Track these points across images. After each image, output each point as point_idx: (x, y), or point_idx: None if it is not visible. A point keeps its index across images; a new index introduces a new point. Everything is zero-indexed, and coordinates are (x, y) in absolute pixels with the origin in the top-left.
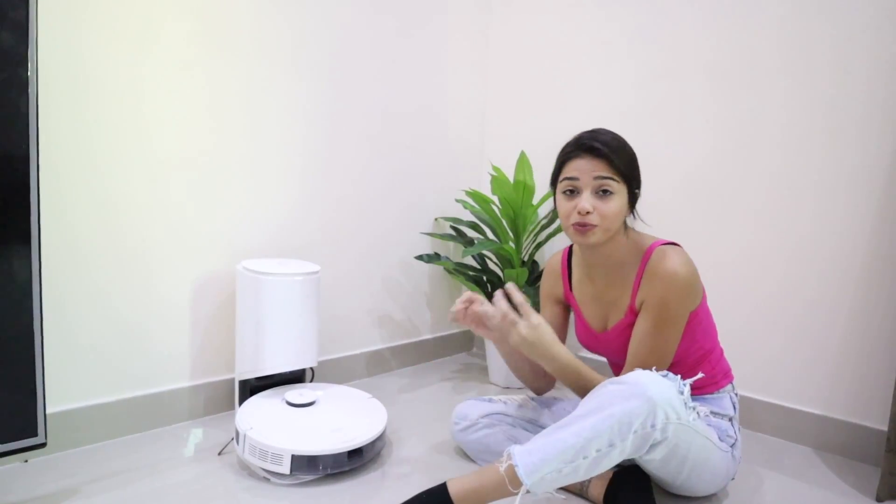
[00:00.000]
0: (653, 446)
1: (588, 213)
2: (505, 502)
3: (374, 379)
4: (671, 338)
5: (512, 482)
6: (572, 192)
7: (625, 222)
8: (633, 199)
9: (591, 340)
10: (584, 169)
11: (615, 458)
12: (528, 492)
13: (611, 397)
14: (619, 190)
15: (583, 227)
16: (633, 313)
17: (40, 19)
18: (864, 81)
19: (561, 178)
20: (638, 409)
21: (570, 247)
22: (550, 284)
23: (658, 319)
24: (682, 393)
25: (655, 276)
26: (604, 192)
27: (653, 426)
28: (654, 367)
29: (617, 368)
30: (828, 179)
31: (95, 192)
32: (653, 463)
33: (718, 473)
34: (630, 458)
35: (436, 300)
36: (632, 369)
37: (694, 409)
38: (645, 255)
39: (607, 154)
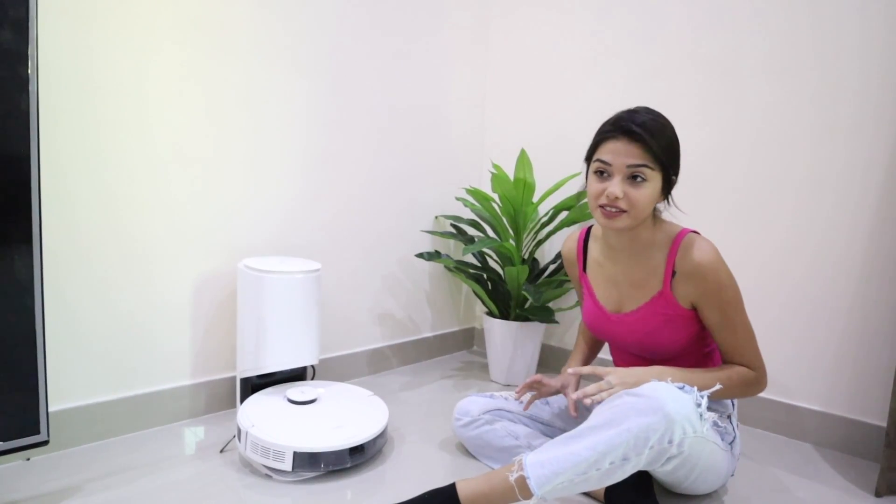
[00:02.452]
0: (668, 460)
1: (618, 198)
2: None
3: (375, 377)
4: (744, 314)
5: (522, 492)
6: (603, 174)
7: (656, 208)
8: (668, 185)
9: (601, 321)
10: (619, 153)
11: (628, 471)
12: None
13: (627, 410)
14: (653, 177)
15: (610, 213)
16: (669, 302)
17: (43, 18)
18: (859, 76)
19: (595, 157)
20: (655, 424)
21: (589, 228)
22: (569, 268)
23: (727, 304)
24: (699, 405)
25: (699, 270)
26: (635, 179)
27: (670, 442)
28: (749, 349)
29: (619, 353)
30: (827, 177)
31: (97, 190)
32: (661, 472)
33: (721, 473)
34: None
35: (436, 298)
36: (735, 360)
37: (706, 420)
38: (675, 241)
39: (645, 139)
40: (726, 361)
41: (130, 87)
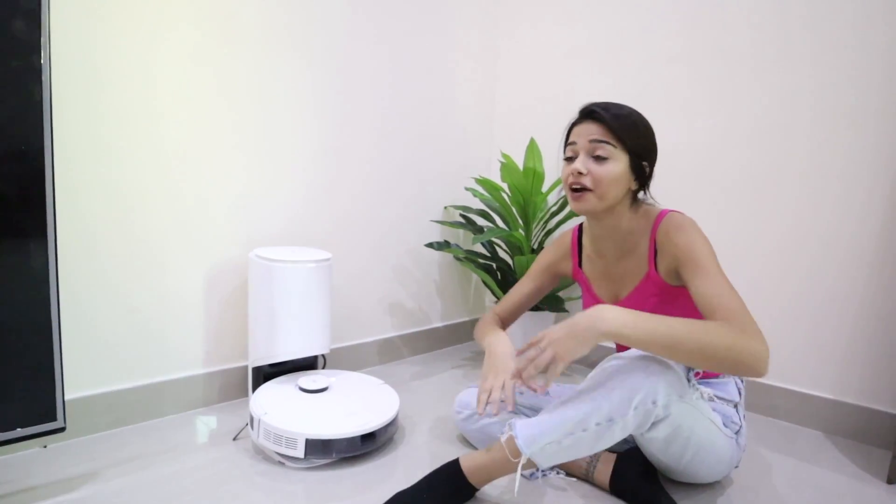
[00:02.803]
0: (655, 424)
1: (581, 174)
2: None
3: (385, 366)
4: (721, 273)
5: (512, 453)
6: (571, 159)
7: (634, 196)
8: (639, 171)
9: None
10: (582, 133)
11: (617, 434)
12: (533, 472)
13: (612, 372)
14: (616, 155)
15: (576, 192)
16: (655, 281)
17: (54, 10)
18: (883, 67)
19: (566, 144)
20: (638, 384)
21: (580, 225)
22: (557, 258)
23: (700, 264)
24: (687, 371)
25: (668, 234)
26: (599, 158)
27: (654, 402)
28: (732, 299)
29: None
30: (842, 167)
31: (108, 182)
32: (655, 443)
33: (722, 460)
34: (633, 434)
35: (446, 288)
36: (710, 309)
37: (697, 388)
38: (655, 222)
39: (605, 119)
40: (707, 316)
41: (139, 79)
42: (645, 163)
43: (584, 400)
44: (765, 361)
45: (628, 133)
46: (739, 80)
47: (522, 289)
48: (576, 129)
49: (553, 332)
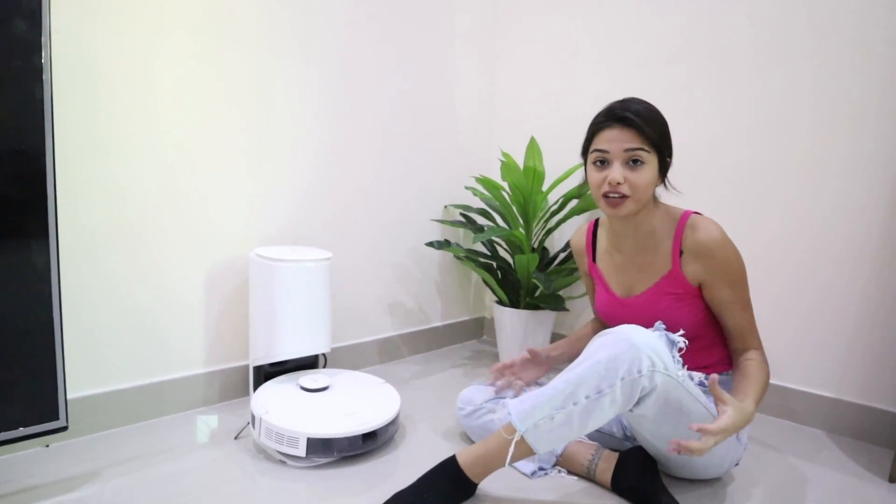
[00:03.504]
0: (642, 398)
1: (619, 183)
2: (512, 473)
3: (385, 366)
4: (749, 293)
5: (507, 430)
6: (603, 163)
7: (654, 192)
8: (664, 167)
9: (613, 307)
10: (615, 139)
11: (607, 408)
12: (535, 470)
13: (599, 346)
14: (650, 160)
15: (614, 200)
16: (678, 281)
17: (54, 9)
18: (882, 63)
19: (592, 149)
20: (623, 354)
21: (596, 221)
22: (578, 260)
23: (736, 281)
24: (674, 345)
25: (707, 248)
26: (634, 163)
27: (639, 372)
28: (754, 327)
29: None
30: (841, 162)
31: (108, 181)
32: (646, 422)
33: (719, 452)
34: (624, 412)
35: (446, 287)
36: (742, 337)
37: (684, 366)
38: (679, 222)
39: (638, 124)
40: (733, 341)
41: (139, 78)
42: (668, 158)
43: (573, 374)
44: None
45: (659, 135)
46: (739, 78)
47: (589, 295)
48: (606, 135)
49: (722, 430)
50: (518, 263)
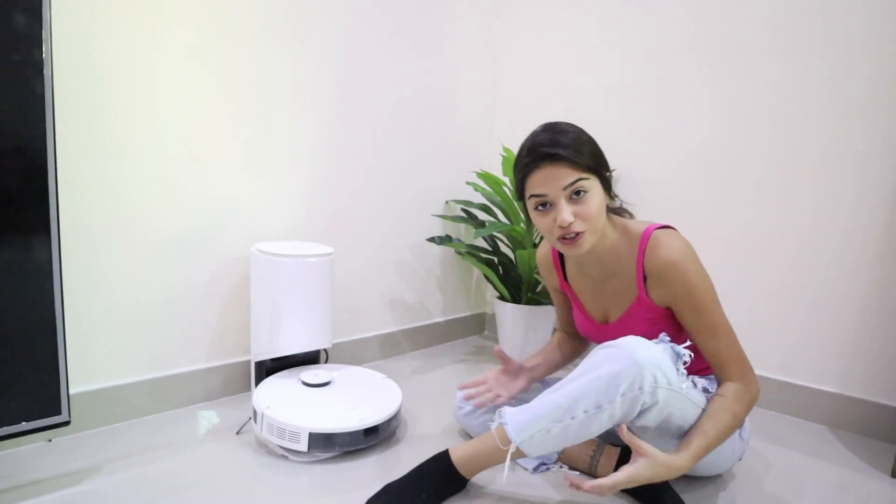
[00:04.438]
0: (643, 412)
1: (570, 223)
2: (514, 467)
3: (387, 361)
4: (721, 314)
5: (502, 440)
6: (545, 206)
7: (607, 212)
8: (607, 184)
9: (593, 332)
10: (550, 180)
11: (605, 421)
12: (536, 466)
13: (600, 360)
14: (592, 185)
15: (571, 240)
16: (647, 306)
17: (54, 4)
18: (869, 57)
19: (528, 194)
20: (625, 371)
21: None
22: (546, 276)
23: (699, 305)
24: (678, 357)
25: (664, 271)
26: (578, 194)
27: (640, 389)
28: (733, 351)
29: None
30: (840, 156)
31: (109, 177)
32: (648, 433)
33: (721, 453)
34: (623, 422)
35: (448, 283)
36: (719, 366)
37: (687, 376)
38: (641, 241)
39: (568, 156)
40: (714, 368)
41: (140, 74)
42: (608, 173)
43: (572, 387)
44: (757, 401)
45: (591, 157)
46: (747, 72)
47: (557, 309)
48: (538, 177)
49: (636, 478)
50: (519, 259)
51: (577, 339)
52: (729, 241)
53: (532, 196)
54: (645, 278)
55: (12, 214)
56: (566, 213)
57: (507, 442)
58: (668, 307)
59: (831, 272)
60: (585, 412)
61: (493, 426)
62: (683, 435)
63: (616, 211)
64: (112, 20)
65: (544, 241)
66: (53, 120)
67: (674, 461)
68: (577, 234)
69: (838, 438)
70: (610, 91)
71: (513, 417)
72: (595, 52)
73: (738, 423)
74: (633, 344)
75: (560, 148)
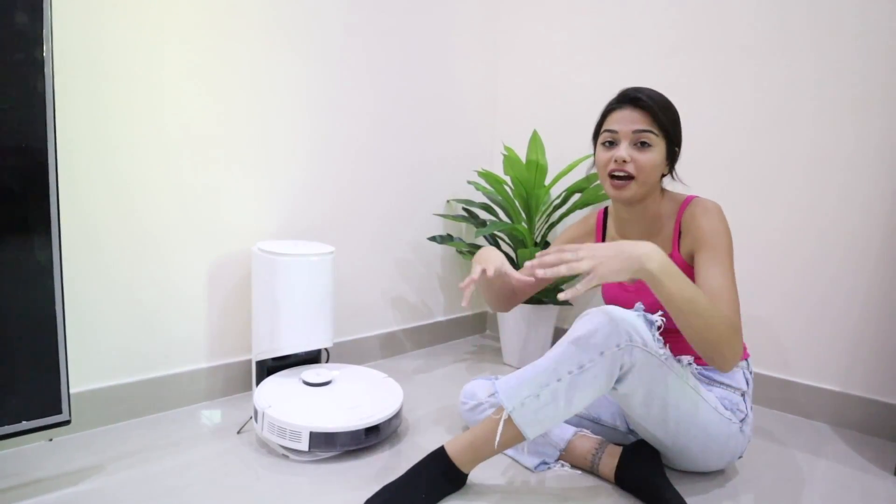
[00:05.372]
0: (623, 375)
1: (625, 161)
2: (500, 461)
3: (388, 360)
4: (731, 270)
5: (496, 412)
6: (611, 144)
7: (661, 182)
8: (672, 156)
9: (620, 293)
10: (625, 120)
11: (590, 385)
12: (538, 464)
13: (580, 325)
14: (658, 143)
15: (619, 179)
16: (677, 262)
17: (55, 1)
18: (886, 56)
19: (602, 129)
20: (600, 328)
21: (606, 209)
22: (579, 236)
23: (714, 245)
24: (652, 324)
25: (695, 216)
26: (642, 144)
27: (618, 346)
28: (729, 296)
29: None
30: (846, 157)
31: (110, 175)
32: (635, 406)
33: (717, 439)
34: (607, 390)
35: (449, 282)
36: (715, 297)
37: (665, 344)
38: (682, 206)
39: (649, 106)
40: None
41: (142, 72)
42: (677, 148)
43: (557, 351)
44: (734, 364)
45: (669, 121)
46: (741, 70)
47: None
48: (617, 115)
49: (596, 247)
50: (521, 258)
51: (520, 293)
52: (742, 241)
53: (605, 131)
54: (680, 235)
55: (13, 213)
56: (624, 151)
57: (501, 412)
58: (691, 257)
59: (833, 271)
60: (570, 373)
61: (485, 395)
62: (674, 420)
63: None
64: (116, 20)
65: (592, 212)
66: (54, 118)
67: (637, 243)
68: (628, 176)
69: (840, 436)
70: (608, 90)
71: (503, 384)
72: (594, 52)
73: (704, 322)
74: (607, 308)
75: (650, 100)
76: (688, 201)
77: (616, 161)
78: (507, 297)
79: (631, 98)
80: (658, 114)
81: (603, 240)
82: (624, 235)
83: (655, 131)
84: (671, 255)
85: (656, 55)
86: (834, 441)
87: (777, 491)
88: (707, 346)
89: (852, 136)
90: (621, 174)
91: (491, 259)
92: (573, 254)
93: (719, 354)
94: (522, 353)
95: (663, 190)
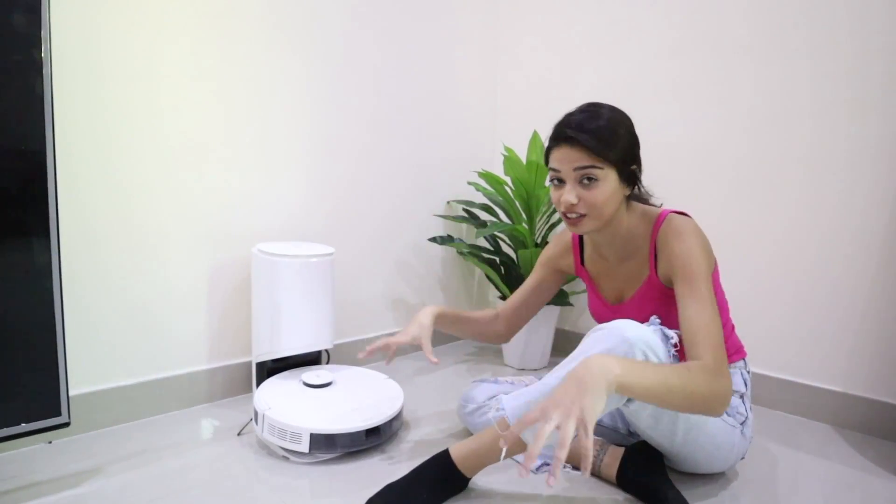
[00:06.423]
0: None
1: (573, 204)
2: (502, 461)
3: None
4: (709, 296)
5: (501, 426)
6: (559, 182)
7: (626, 200)
8: (629, 176)
9: (604, 313)
10: (565, 160)
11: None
12: (540, 466)
13: (592, 342)
14: (605, 174)
15: (571, 219)
16: (655, 285)
17: (54, 3)
18: (883, 57)
19: (548, 166)
20: (616, 348)
21: None
22: (557, 253)
23: (687, 274)
24: (668, 339)
25: (669, 239)
26: (589, 180)
27: None
28: (712, 332)
29: None
30: (846, 157)
31: (110, 177)
32: (643, 418)
33: (721, 445)
34: (619, 406)
35: (449, 283)
36: (691, 342)
37: (678, 358)
38: (656, 222)
39: (585, 140)
40: (687, 347)
41: (140, 73)
42: (633, 167)
43: (567, 370)
44: (727, 404)
45: (611, 149)
46: (739, 72)
47: (524, 284)
48: (555, 155)
49: (557, 399)
50: (521, 259)
51: (505, 326)
52: (732, 240)
53: (550, 169)
54: (656, 256)
55: (12, 215)
56: (570, 194)
57: (506, 426)
58: (668, 280)
59: (836, 271)
60: None
61: (491, 415)
62: (682, 431)
63: (638, 198)
64: (115, 21)
65: (565, 230)
66: (53, 120)
67: (583, 362)
68: (580, 215)
69: (843, 437)
70: (608, 89)
71: (510, 402)
72: (594, 52)
73: (685, 398)
74: (622, 324)
75: (583, 133)
76: (661, 219)
77: (563, 205)
78: (488, 335)
79: (562, 136)
80: (597, 146)
81: (581, 260)
82: (601, 255)
83: (598, 164)
84: (649, 278)
85: (656, 56)
86: (836, 442)
87: (779, 492)
88: (694, 409)
89: (850, 137)
90: (573, 214)
91: (410, 326)
92: (544, 422)
93: (708, 410)
94: (523, 354)
95: (633, 207)
